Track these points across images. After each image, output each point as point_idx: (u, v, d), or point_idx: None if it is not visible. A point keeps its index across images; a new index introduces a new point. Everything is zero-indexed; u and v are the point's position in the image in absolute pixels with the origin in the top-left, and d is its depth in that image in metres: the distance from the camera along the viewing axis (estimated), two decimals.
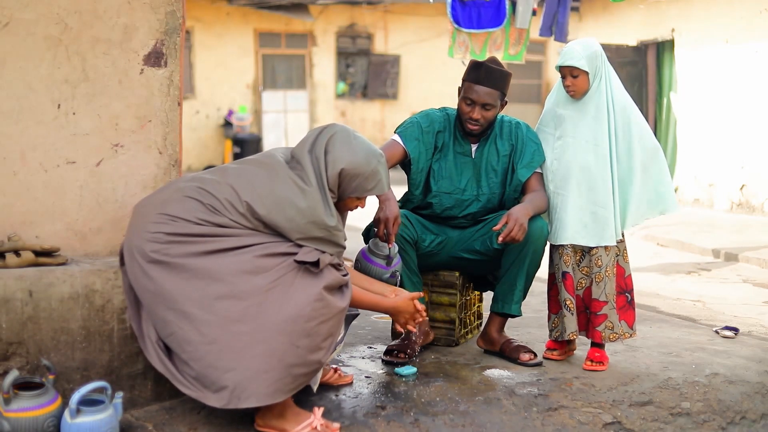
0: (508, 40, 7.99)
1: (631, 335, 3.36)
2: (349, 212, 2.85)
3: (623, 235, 3.37)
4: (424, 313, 2.96)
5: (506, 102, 3.42)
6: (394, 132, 3.49)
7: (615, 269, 3.32)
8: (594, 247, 3.29)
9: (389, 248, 3.10)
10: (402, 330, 2.94)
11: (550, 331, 3.42)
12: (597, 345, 3.35)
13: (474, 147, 3.47)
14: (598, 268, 3.29)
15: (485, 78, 3.33)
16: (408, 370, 3.14)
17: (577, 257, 3.34)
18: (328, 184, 2.60)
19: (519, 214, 3.17)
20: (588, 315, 3.35)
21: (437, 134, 3.46)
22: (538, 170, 3.43)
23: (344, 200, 2.71)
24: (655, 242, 8.74)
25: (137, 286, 2.51)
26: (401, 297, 2.90)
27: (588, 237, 3.28)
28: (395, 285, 3.10)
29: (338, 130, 2.67)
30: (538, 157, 3.42)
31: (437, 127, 3.46)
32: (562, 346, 3.43)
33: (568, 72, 3.27)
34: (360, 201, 2.75)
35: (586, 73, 3.24)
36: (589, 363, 3.30)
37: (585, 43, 3.30)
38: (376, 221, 3.15)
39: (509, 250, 3.33)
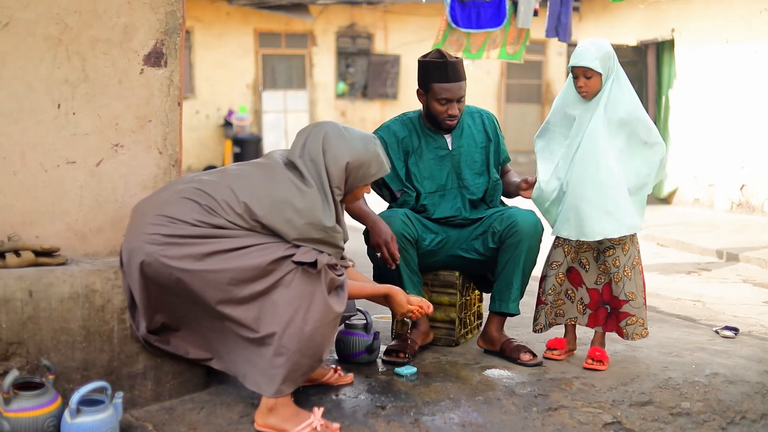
0: (506, 39, 7.97)
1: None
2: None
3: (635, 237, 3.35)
4: (426, 305, 3.00)
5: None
6: None
7: (640, 268, 3.32)
8: (609, 248, 3.28)
9: (366, 316, 3.27)
10: (411, 315, 2.98)
11: (533, 322, 3.45)
12: (600, 343, 3.37)
13: (449, 139, 3.53)
14: (616, 268, 3.29)
15: (453, 74, 3.38)
16: (408, 370, 3.14)
17: (594, 254, 3.34)
18: (333, 183, 2.62)
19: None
20: (609, 311, 3.35)
21: (402, 141, 3.51)
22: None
23: (353, 191, 2.74)
24: (655, 242, 8.74)
25: (135, 287, 2.53)
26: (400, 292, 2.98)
27: (588, 233, 3.23)
28: (377, 351, 3.30)
29: (329, 128, 2.68)
30: (504, 148, 3.65)
31: (400, 135, 3.51)
32: (562, 345, 3.43)
33: (581, 72, 3.24)
34: (366, 188, 2.80)
35: (600, 74, 3.22)
36: (589, 361, 3.30)
37: (598, 43, 3.26)
38: (375, 246, 3.22)
39: (504, 249, 3.34)
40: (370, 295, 2.95)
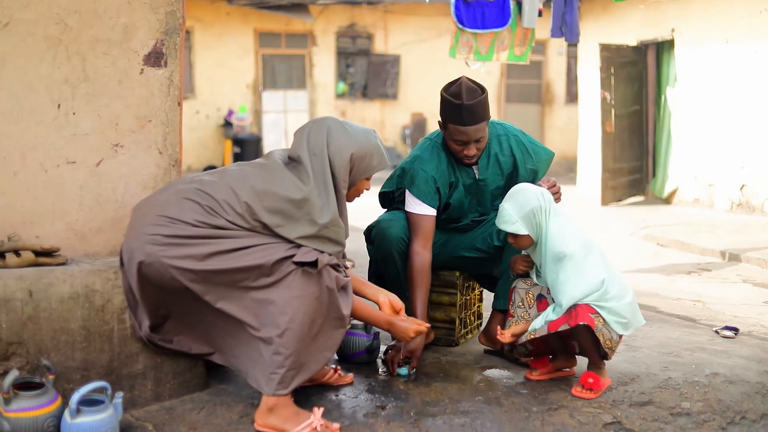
0: (514, 41, 7.97)
1: None
2: (348, 214, 2.88)
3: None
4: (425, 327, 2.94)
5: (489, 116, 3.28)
6: (410, 192, 3.30)
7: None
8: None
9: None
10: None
11: None
12: (597, 368, 3.04)
13: (476, 169, 3.39)
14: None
15: (468, 118, 3.15)
16: (407, 370, 3.14)
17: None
18: (337, 176, 2.65)
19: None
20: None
21: (446, 171, 3.34)
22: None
23: (356, 185, 2.78)
24: (656, 242, 8.74)
25: (135, 287, 2.54)
26: (403, 322, 2.89)
27: None
28: (377, 351, 3.29)
29: (330, 122, 2.72)
30: (532, 166, 3.39)
31: (443, 166, 3.33)
32: (542, 365, 3.18)
33: (509, 233, 3.03)
34: (368, 181, 2.83)
35: (526, 234, 2.98)
36: (578, 389, 2.99)
37: (518, 202, 2.98)
38: (406, 351, 3.13)
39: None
40: (371, 323, 2.93)
